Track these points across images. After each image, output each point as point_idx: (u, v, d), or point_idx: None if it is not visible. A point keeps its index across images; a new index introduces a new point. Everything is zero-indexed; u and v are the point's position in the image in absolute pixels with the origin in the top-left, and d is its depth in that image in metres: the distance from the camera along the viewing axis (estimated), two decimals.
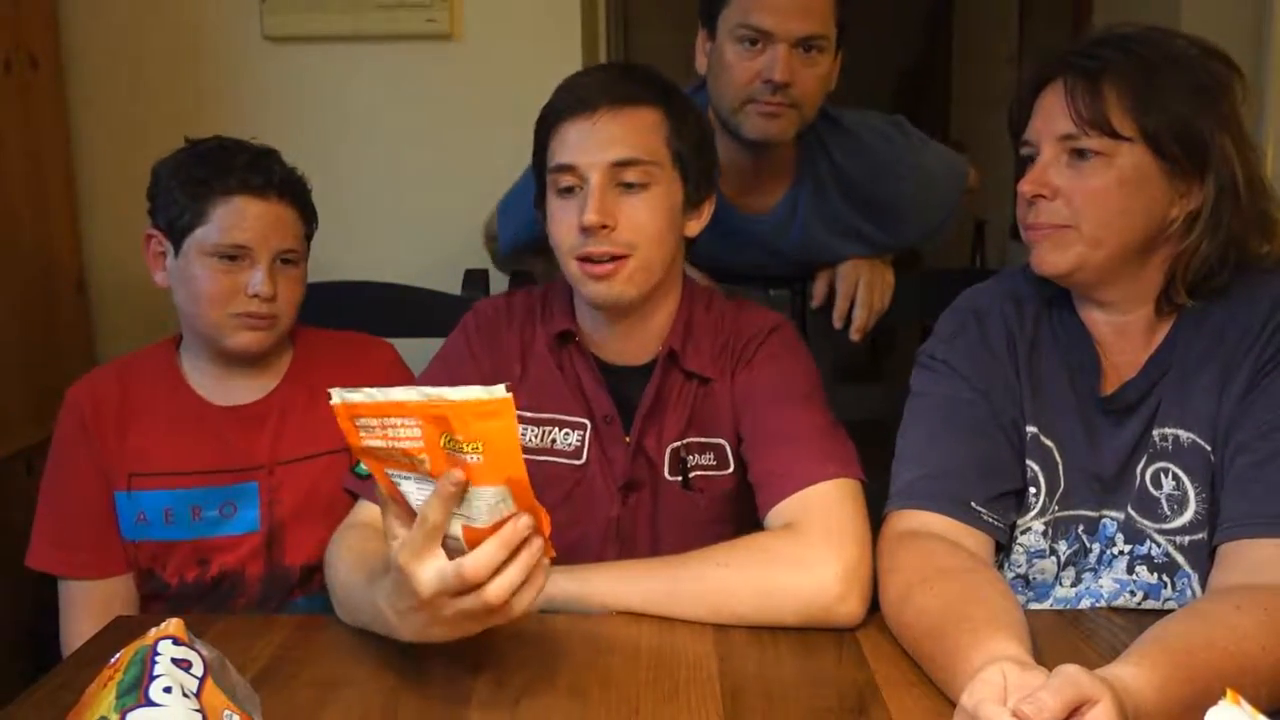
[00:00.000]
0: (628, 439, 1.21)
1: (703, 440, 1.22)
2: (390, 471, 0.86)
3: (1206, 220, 1.01)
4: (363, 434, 0.83)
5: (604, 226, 1.12)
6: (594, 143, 1.13)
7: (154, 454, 1.31)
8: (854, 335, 1.58)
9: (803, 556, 1.03)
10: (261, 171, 1.29)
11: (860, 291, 1.60)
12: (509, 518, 0.82)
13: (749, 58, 1.42)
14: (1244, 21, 2.02)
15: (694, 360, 1.22)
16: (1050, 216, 1.04)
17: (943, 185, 1.71)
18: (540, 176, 1.20)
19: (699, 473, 1.22)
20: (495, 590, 0.82)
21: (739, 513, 1.20)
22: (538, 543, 0.84)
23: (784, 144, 1.52)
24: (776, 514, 1.11)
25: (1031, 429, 1.10)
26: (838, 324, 1.59)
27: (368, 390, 0.82)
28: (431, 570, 0.83)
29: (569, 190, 1.15)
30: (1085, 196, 1.02)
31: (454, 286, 1.69)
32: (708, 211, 1.23)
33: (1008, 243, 3.37)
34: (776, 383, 1.19)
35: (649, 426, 1.21)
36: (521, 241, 1.67)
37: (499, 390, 0.77)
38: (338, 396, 0.83)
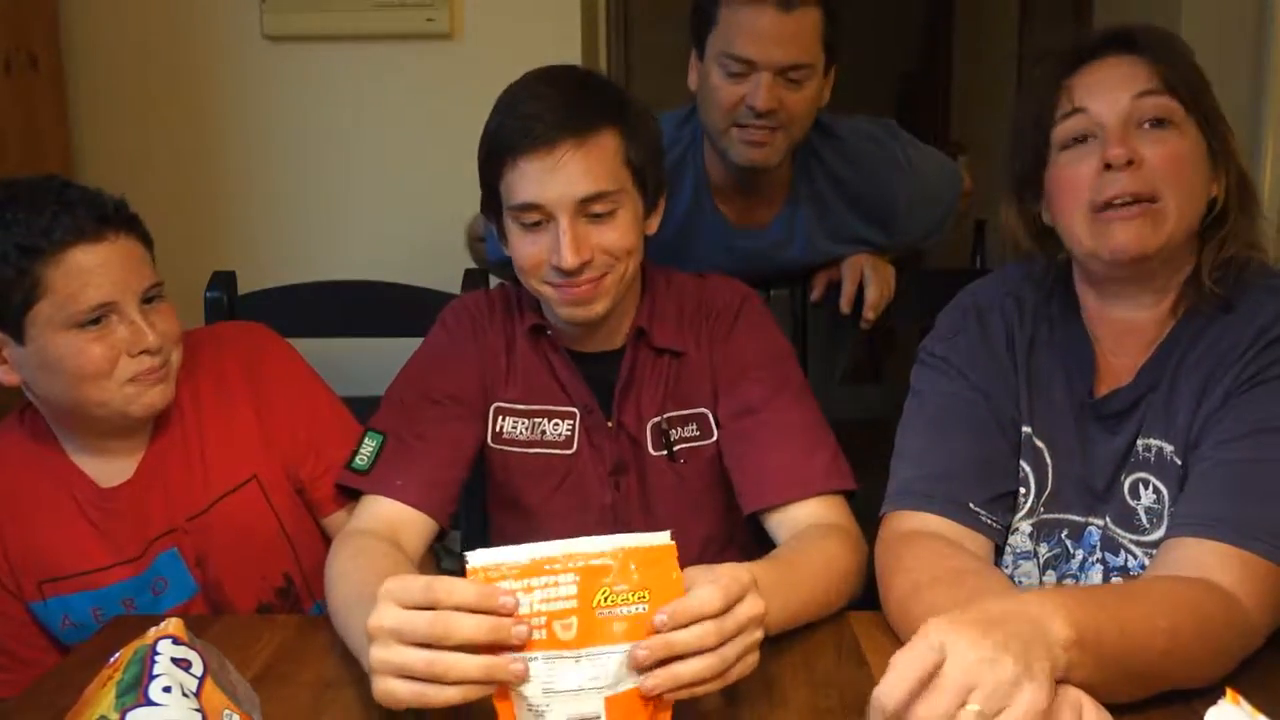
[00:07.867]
0: (610, 424, 1.22)
1: (683, 413, 1.23)
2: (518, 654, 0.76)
3: (1236, 211, 1.03)
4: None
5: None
6: (558, 181, 1.08)
7: (59, 555, 1.15)
8: (867, 313, 1.58)
9: None
10: (95, 208, 1.08)
11: (868, 275, 1.60)
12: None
13: (733, 83, 1.43)
14: (1244, 21, 2.02)
15: (662, 337, 1.23)
16: (1139, 186, 1.00)
17: (937, 184, 1.72)
18: (494, 201, 1.16)
19: (683, 445, 1.23)
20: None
21: (726, 479, 1.20)
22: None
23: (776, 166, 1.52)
24: (781, 522, 1.12)
25: (1026, 429, 1.10)
26: (845, 308, 1.59)
27: (507, 550, 0.76)
28: None
29: (535, 224, 1.12)
30: (1170, 163, 1.01)
31: (453, 286, 1.68)
32: (662, 206, 1.22)
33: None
34: (760, 352, 1.22)
35: (627, 406, 1.23)
36: None
37: (664, 536, 0.78)
38: (476, 560, 0.76)
